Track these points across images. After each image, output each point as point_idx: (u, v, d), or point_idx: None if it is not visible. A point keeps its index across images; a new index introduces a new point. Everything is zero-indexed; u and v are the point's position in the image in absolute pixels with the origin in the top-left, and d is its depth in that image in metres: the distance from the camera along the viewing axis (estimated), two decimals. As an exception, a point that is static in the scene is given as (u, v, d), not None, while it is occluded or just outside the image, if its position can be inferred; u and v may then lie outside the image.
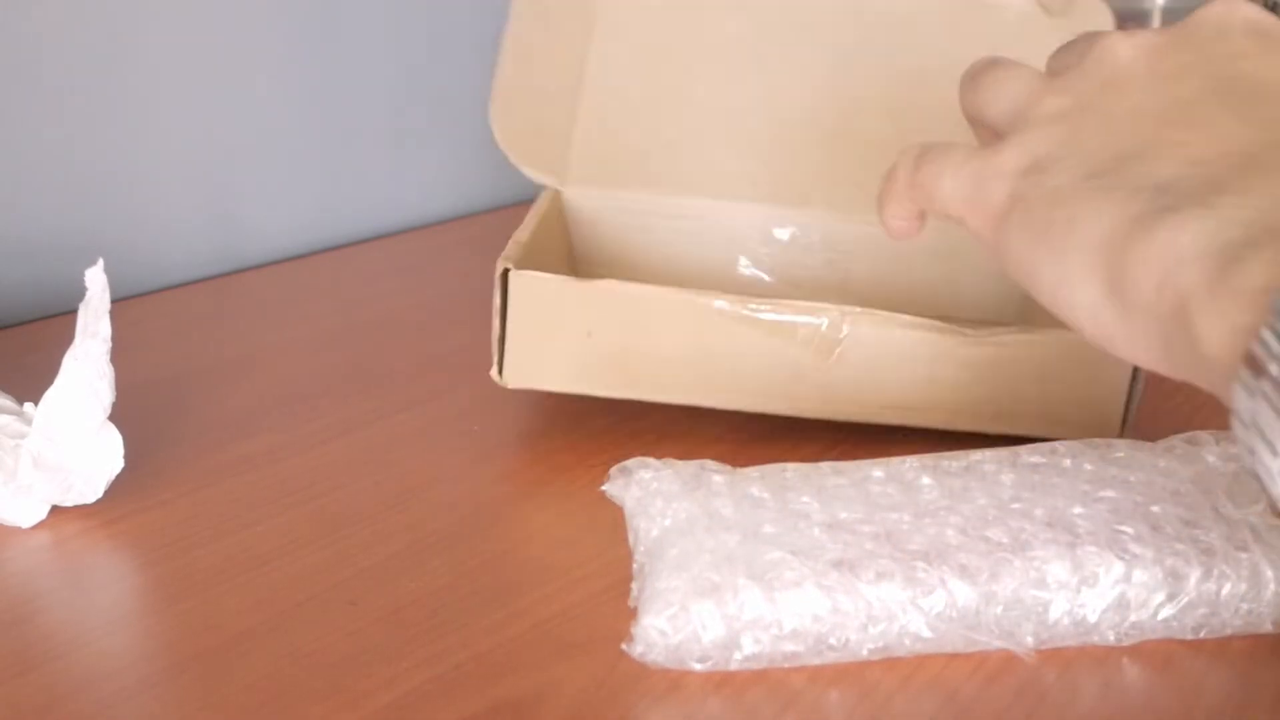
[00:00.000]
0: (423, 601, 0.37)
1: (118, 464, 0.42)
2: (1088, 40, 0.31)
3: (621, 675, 0.33)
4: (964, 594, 0.34)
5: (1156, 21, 0.97)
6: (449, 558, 0.40)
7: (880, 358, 0.46)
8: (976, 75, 0.34)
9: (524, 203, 0.61)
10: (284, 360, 0.60)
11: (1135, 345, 0.26)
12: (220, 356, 0.60)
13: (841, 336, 0.46)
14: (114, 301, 0.43)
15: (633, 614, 0.34)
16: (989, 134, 0.34)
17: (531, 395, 0.53)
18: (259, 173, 0.82)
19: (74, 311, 0.43)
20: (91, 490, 0.42)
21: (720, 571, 0.34)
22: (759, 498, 0.38)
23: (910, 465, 0.40)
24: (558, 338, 0.47)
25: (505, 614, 0.36)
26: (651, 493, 0.38)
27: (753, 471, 0.40)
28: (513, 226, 0.52)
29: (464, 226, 0.90)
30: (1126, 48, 0.30)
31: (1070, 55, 0.32)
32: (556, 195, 0.60)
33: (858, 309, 0.46)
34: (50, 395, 0.42)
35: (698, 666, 0.33)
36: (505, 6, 0.97)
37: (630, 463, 0.41)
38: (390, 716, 0.32)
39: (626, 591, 0.36)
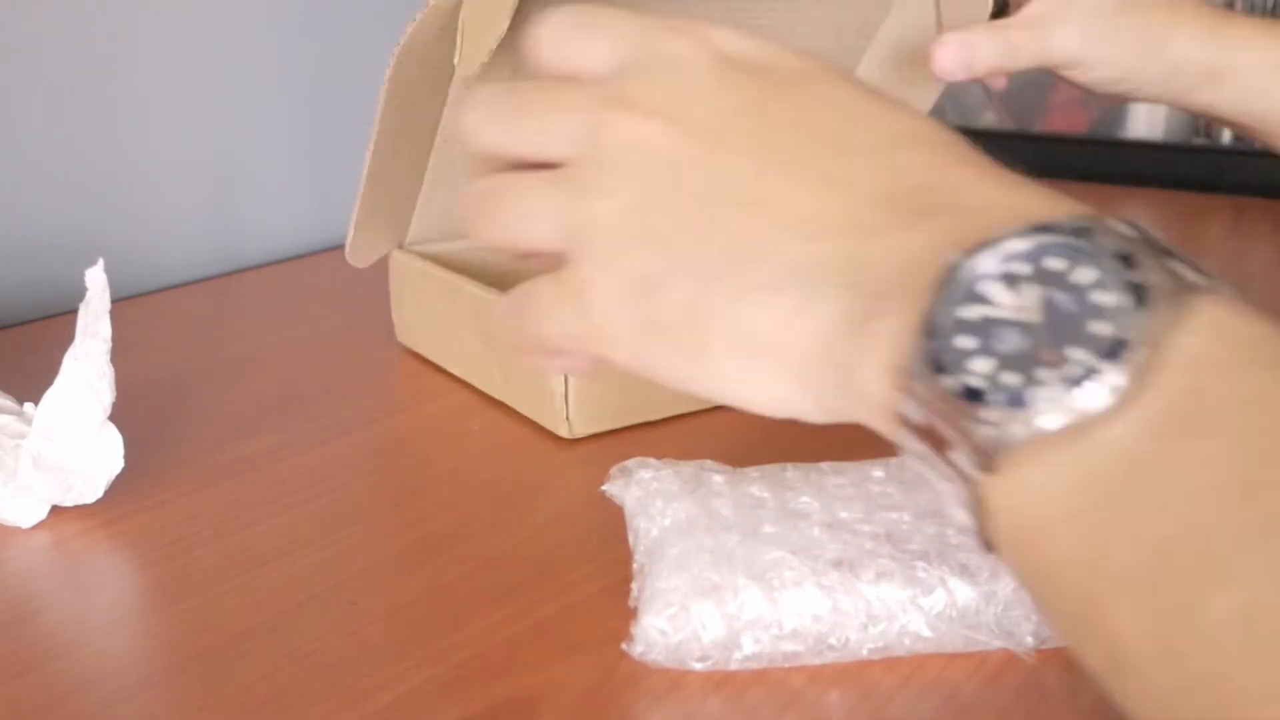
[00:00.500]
0: (423, 601, 0.37)
1: (118, 464, 0.42)
2: (585, 125, 0.27)
3: (621, 675, 0.33)
4: (964, 593, 0.34)
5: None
6: (449, 558, 0.40)
7: None
8: (479, 213, 0.30)
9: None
10: (284, 360, 0.60)
11: (826, 418, 0.26)
12: (220, 356, 0.60)
13: None
14: (114, 301, 0.43)
15: (633, 614, 0.34)
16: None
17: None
18: (259, 173, 0.82)
19: (74, 311, 0.43)
20: (91, 490, 0.42)
21: (720, 571, 0.34)
22: (759, 497, 0.38)
23: (911, 465, 0.39)
24: (612, 377, 0.47)
25: (505, 614, 0.36)
26: (651, 493, 0.38)
27: (753, 471, 0.40)
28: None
29: (464, 226, 0.90)
30: (653, 130, 0.26)
31: (568, 142, 0.28)
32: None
33: None
34: (50, 395, 0.42)
35: (698, 666, 0.33)
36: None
37: (630, 463, 0.41)
38: (390, 716, 0.32)
39: (626, 591, 0.36)
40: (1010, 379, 0.20)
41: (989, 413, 0.20)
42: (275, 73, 0.81)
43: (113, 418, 0.42)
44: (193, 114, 0.77)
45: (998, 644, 0.34)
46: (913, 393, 0.22)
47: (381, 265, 0.63)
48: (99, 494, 0.42)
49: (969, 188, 0.25)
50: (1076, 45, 0.54)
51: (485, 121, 0.30)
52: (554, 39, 0.29)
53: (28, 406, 0.44)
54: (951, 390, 0.21)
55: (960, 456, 0.21)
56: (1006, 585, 0.34)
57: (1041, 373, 0.20)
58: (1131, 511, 0.19)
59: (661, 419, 0.49)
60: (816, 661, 0.33)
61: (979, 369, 0.21)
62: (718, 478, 0.39)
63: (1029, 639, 0.34)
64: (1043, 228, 0.22)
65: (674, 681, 0.33)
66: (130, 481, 0.45)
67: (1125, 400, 0.20)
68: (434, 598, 0.37)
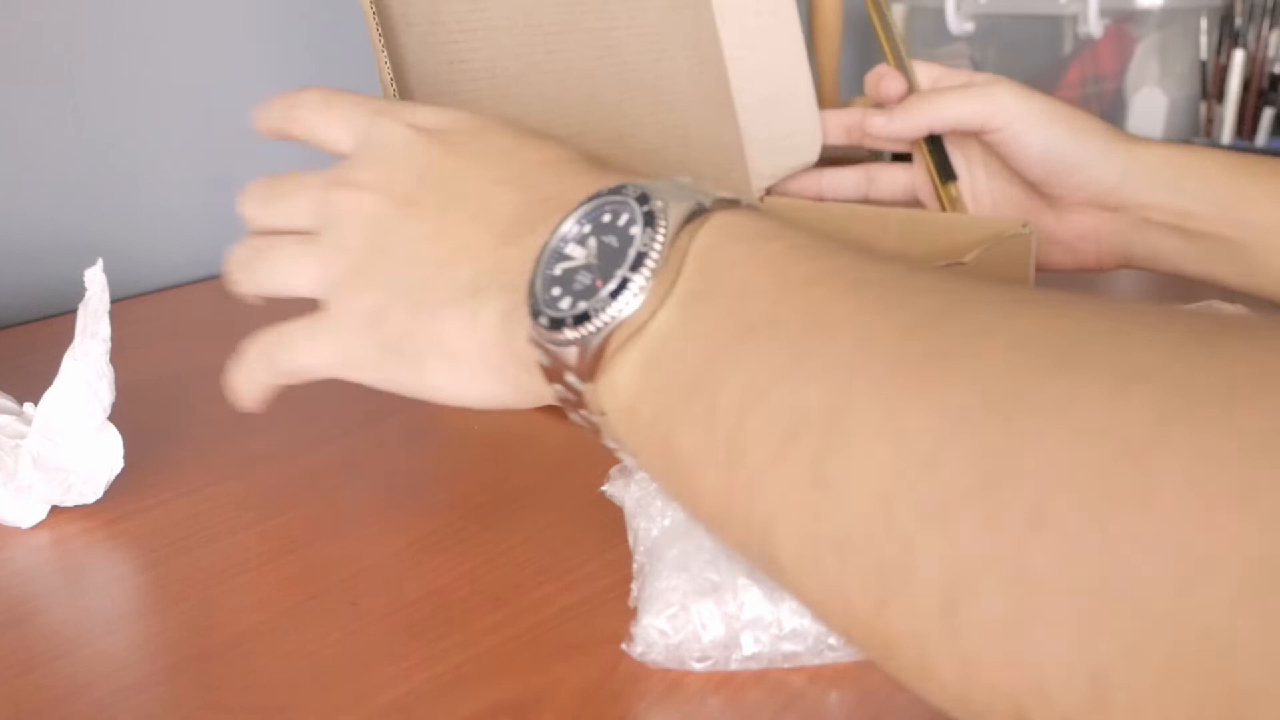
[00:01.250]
0: (423, 601, 0.37)
1: (118, 464, 0.42)
2: (319, 202, 0.37)
3: (621, 675, 0.33)
4: None
5: (1152, 22, 0.97)
6: (449, 558, 0.40)
7: None
8: (240, 268, 0.40)
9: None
10: (284, 360, 0.59)
11: (527, 401, 0.33)
12: (220, 356, 0.60)
13: None
14: (114, 301, 0.43)
15: (633, 614, 0.34)
16: None
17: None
18: (259, 173, 0.82)
19: (74, 311, 0.43)
20: (91, 490, 0.42)
21: (720, 571, 0.34)
22: (759, 498, 0.38)
23: None
24: None
25: (505, 614, 0.36)
26: (651, 493, 0.38)
27: (753, 471, 0.40)
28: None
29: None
30: (365, 199, 0.35)
31: (310, 215, 0.37)
32: None
33: None
34: (50, 395, 0.42)
35: (698, 666, 0.33)
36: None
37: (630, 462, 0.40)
38: (390, 716, 0.32)
39: (626, 592, 0.36)
40: (581, 305, 0.27)
41: (569, 333, 0.27)
42: (275, 73, 0.81)
43: (113, 418, 0.42)
44: (192, 114, 0.77)
45: None
46: (534, 342, 0.28)
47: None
48: (99, 494, 0.42)
49: (575, 186, 0.31)
50: (988, 203, 0.63)
51: (252, 204, 0.40)
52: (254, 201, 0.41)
53: (27, 407, 0.44)
54: (545, 326, 0.27)
55: (571, 379, 0.28)
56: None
57: (599, 293, 0.27)
58: (673, 366, 0.26)
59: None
60: (816, 662, 0.33)
61: (562, 306, 0.27)
62: (718, 478, 0.39)
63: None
64: (594, 196, 0.29)
65: (674, 682, 0.33)
66: (130, 481, 0.45)
67: (656, 295, 0.26)
68: (434, 598, 0.37)
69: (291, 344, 0.37)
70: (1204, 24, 0.98)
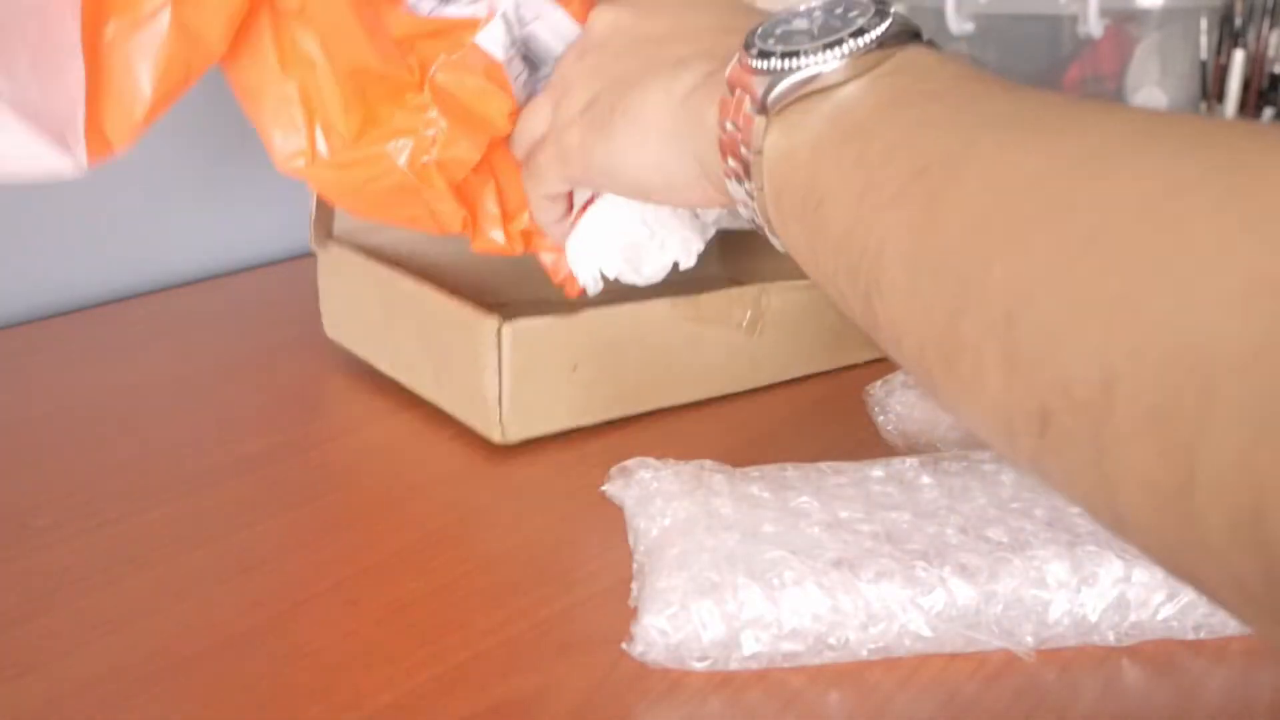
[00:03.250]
0: (423, 601, 0.37)
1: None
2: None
3: (621, 675, 0.33)
4: (964, 593, 0.34)
5: (1152, 22, 0.97)
6: (449, 558, 0.40)
7: (795, 320, 0.53)
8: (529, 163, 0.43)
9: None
10: (284, 360, 0.60)
11: (706, 192, 0.36)
12: (220, 357, 0.60)
13: (763, 310, 0.51)
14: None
15: (633, 614, 0.34)
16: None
17: (531, 395, 0.53)
18: (259, 173, 0.82)
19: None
20: None
21: (720, 571, 0.34)
22: (759, 497, 0.38)
23: (910, 465, 0.39)
24: (547, 379, 0.47)
25: (505, 614, 0.36)
26: (651, 493, 0.38)
27: (753, 471, 0.40)
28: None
29: (464, 226, 0.90)
30: (609, 18, 0.40)
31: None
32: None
33: (770, 284, 0.51)
34: None
35: (698, 666, 0.33)
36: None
37: (630, 463, 0.41)
38: (390, 716, 0.32)
39: (626, 592, 0.36)
40: (791, 45, 0.29)
41: (775, 62, 0.29)
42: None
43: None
44: (192, 114, 0.77)
45: (997, 644, 0.34)
46: (733, 78, 0.31)
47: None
48: None
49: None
50: None
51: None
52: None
53: None
54: (753, 55, 0.30)
55: (748, 109, 0.30)
56: (1006, 585, 0.34)
57: (809, 43, 0.29)
58: (859, 145, 0.27)
59: (597, 424, 0.49)
60: (816, 661, 0.33)
61: (772, 45, 0.30)
62: (718, 477, 0.39)
63: (1029, 639, 0.34)
64: None
65: (674, 681, 0.33)
66: (130, 481, 0.45)
67: (857, 66, 0.29)
68: (434, 598, 0.37)
69: (537, 174, 0.42)
70: (1204, 24, 0.98)
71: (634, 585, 0.36)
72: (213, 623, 0.36)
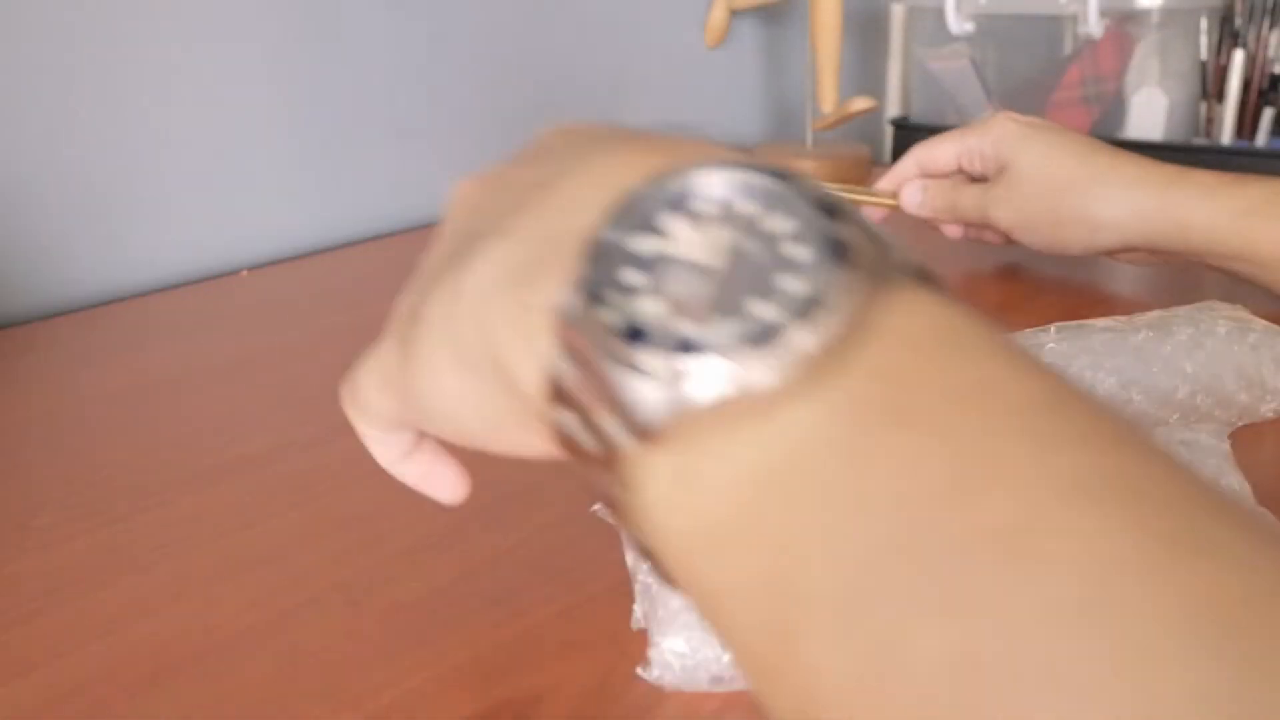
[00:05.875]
0: (423, 601, 0.37)
1: None
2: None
3: (621, 675, 0.33)
4: None
5: (1152, 22, 0.97)
6: (449, 558, 0.40)
7: None
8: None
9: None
10: (284, 360, 0.60)
11: (508, 432, 0.23)
12: (220, 356, 0.60)
13: None
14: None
15: (631, 613, 0.34)
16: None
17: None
18: (259, 173, 0.82)
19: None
20: None
21: None
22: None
23: None
24: None
25: (505, 614, 0.36)
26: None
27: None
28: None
29: (464, 226, 0.90)
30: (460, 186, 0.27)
31: None
32: None
33: None
34: None
35: (712, 688, 0.32)
36: (505, 6, 0.98)
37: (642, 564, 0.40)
38: (390, 716, 0.31)
39: (627, 592, 0.36)
40: (681, 325, 0.17)
41: (651, 359, 0.17)
42: (275, 73, 0.81)
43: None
44: (193, 115, 0.77)
45: None
46: (567, 338, 0.18)
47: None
48: None
49: (677, 142, 0.21)
50: (1008, 224, 0.63)
51: None
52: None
53: None
54: (610, 326, 0.17)
55: (611, 422, 0.17)
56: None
57: (720, 321, 0.17)
58: (828, 514, 0.16)
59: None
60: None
61: (647, 308, 0.17)
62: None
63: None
64: (740, 165, 0.19)
65: (674, 681, 0.33)
66: (130, 481, 0.44)
67: (815, 374, 0.16)
68: (434, 598, 0.37)
69: (360, 405, 0.32)
70: (1204, 24, 0.98)
71: (637, 606, 0.35)
72: (213, 623, 0.36)
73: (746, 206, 0.18)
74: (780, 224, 0.18)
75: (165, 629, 0.36)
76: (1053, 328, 0.44)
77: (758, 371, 0.16)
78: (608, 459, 0.18)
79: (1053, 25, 1.03)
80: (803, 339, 0.16)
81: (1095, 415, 0.16)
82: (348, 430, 0.51)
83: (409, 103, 0.91)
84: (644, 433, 0.17)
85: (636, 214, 0.18)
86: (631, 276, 0.18)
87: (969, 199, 0.65)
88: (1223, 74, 0.98)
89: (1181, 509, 0.15)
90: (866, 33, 1.28)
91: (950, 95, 1.06)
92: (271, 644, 0.35)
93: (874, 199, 0.69)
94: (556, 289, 0.19)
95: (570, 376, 0.18)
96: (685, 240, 0.18)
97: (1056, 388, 0.17)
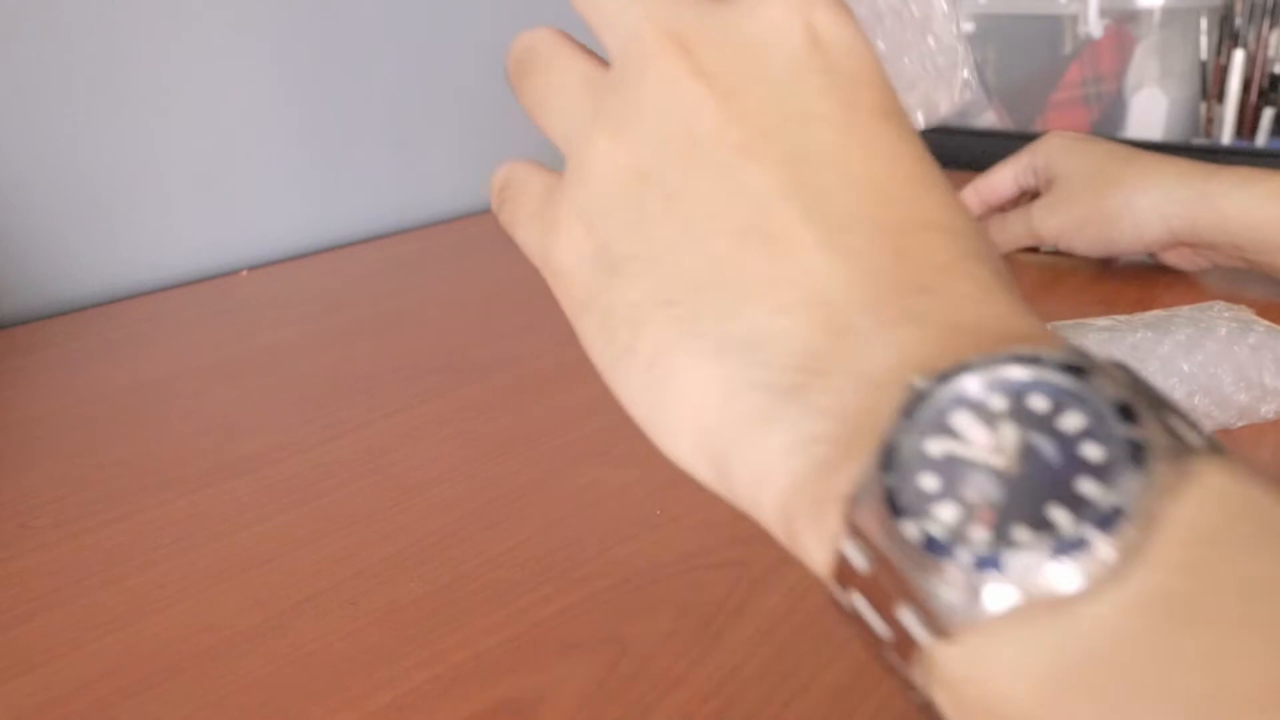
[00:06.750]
0: (423, 601, 0.37)
1: None
2: (634, 36, 0.24)
3: (621, 675, 0.33)
4: None
5: (1152, 22, 0.97)
6: (449, 558, 0.40)
7: None
8: (522, 68, 0.27)
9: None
10: (284, 360, 0.60)
11: (728, 497, 0.23)
12: (220, 356, 0.60)
13: None
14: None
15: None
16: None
17: (530, 396, 0.53)
18: (259, 173, 0.82)
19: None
20: None
21: None
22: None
23: None
24: None
25: (505, 614, 0.36)
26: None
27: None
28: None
29: (464, 226, 0.90)
30: (698, 90, 0.23)
31: (616, 40, 0.25)
32: None
33: None
34: None
35: None
36: (505, 6, 0.98)
37: None
38: (390, 716, 0.31)
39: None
40: (980, 535, 0.17)
41: (952, 572, 0.17)
42: (275, 74, 0.81)
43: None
44: (193, 115, 0.77)
45: None
46: (859, 533, 0.18)
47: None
48: None
49: (964, 300, 0.21)
50: (1058, 229, 0.67)
51: (523, 48, 0.27)
52: None
53: None
54: (911, 538, 0.18)
55: (907, 615, 0.18)
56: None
57: (1019, 533, 0.17)
58: (1123, 706, 0.16)
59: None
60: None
61: (943, 517, 0.18)
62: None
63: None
64: (1031, 359, 0.19)
65: (675, 680, 0.33)
66: (130, 481, 0.45)
67: (1115, 575, 0.17)
68: (434, 598, 0.37)
69: (515, 203, 0.27)
70: (1204, 24, 0.98)
71: None
72: (213, 623, 0.36)
73: (1039, 403, 0.18)
74: (1074, 422, 0.18)
75: (165, 629, 0.36)
76: (1049, 327, 0.45)
77: (1058, 580, 0.17)
78: (901, 646, 0.18)
79: (1053, 25, 1.03)
80: (1105, 550, 0.16)
81: None
82: (348, 430, 0.52)
83: (409, 103, 0.91)
84: (939, 630, 0.17)
85: (930, 412, 0.19)
86: (927, 482, 0.18)
87: (1017, 224, 0.68)
88: (1223, 74, 0.98)
89: None
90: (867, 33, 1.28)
91: (950, 95, 1.06)
92: (271, 644, 0.35)
93: None
94: (851, 485, 0.19)
95: (863, 566, 0.18)
96: (978, 441, 0.18)
97: None
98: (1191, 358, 0.44)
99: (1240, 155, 0.94)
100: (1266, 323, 0.47)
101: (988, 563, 0.17)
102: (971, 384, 0.19)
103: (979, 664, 0.17)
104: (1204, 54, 0.98)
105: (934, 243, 0.22)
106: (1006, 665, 0.17)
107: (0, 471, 0.47)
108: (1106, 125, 1.00)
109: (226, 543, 0.41)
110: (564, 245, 0.25)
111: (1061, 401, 0.18)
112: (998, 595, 0.17)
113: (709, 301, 0.22)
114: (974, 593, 0.17)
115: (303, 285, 0.75)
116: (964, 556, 0.17)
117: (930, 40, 0.39)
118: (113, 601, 0.38)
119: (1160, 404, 0.18)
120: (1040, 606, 0.17)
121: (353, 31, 0.86)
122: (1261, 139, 0.97)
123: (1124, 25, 0.98)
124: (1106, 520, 0.17)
